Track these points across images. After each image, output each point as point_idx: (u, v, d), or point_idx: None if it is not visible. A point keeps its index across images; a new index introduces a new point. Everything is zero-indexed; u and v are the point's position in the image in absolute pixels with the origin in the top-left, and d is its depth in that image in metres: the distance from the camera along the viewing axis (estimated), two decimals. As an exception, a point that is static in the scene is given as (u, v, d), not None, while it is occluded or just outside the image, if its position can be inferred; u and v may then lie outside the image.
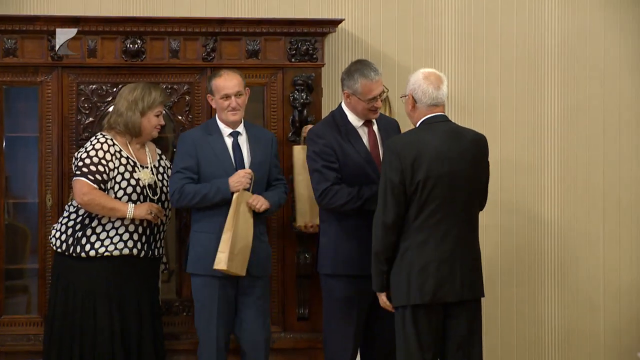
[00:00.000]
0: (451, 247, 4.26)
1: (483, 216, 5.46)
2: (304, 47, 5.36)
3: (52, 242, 4.96)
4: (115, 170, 4.87)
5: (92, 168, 4.86)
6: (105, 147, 4.91)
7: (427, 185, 4.22)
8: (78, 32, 5.23)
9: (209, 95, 4.92)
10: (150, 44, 5.31)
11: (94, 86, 5.31)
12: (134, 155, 4.98)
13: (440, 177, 4.22)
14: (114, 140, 4.96)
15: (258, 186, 4.92)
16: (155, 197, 4.99)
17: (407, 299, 4.27)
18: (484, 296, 4.40)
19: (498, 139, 5.82)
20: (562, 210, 5.94)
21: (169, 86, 5.34)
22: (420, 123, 4.37)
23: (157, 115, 5.00)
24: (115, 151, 4.92)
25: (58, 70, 5.28)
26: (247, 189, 4.81)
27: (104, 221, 4.88)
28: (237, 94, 4.84)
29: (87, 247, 4.86)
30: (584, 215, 5.96)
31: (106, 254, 4.87)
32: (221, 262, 4.72)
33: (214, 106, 4.94)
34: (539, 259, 5.95)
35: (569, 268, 5.95)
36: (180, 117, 5.37)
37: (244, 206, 4.80)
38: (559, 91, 5.91)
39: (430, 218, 4.24)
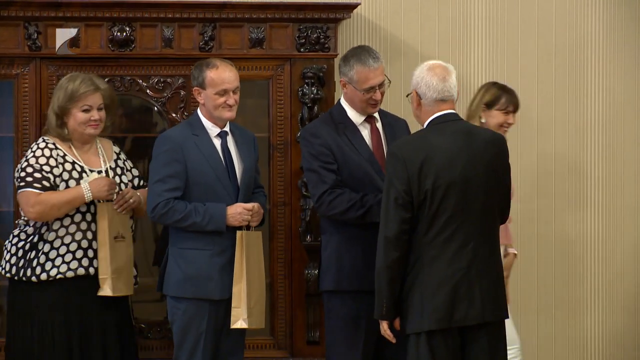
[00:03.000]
0: (467, 264, 4.10)
1: (517, 226, 5.75)
2: (315, 35, 5.22)
3: (1, 266, 4.76)
4: (59, 179, 4.65)
5: (37, 175, 4.60)
6: (46, 152, 4.67)
7: (436, 195, 4.07)
8: (58, 18, 5.09)
9: (196, 88, 4.67)
10: (141, 32, 5.18)
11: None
12: (80, 159, 4.72)
13: (452, 184, 4.08)
14: (55, 144, 4.72)
15: (246, 195, 4.71)
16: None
17: (421, 325, 4.11)
18: (508, 317, 4.26)
19: (535, 139, 5.74)
20: (607, 219, 5.83)
21: (162, 79, 5.20)
22: (428, 124, 4.22)
23: (86, 110, 4.69)
24: (58, 156, 4.68)
25: (36, 61, 5.15)
26: (248, 227, 4.63)
27: (51, 239, 4.64)
28: (236, 90, 4.65)
29: (38, 269, 4.64)
30: (632, 225, 5.87)
31: (59, 276, 4.64)
32: (239, 320, 4.59)
33: (201, 101, 4.69)
34: (581, 275, 5.83)
35: (615, 285, 5.83)
36: (174, 115, 5.21)
37: (252, 248, 4.63)
38: (605, 85, 5.79)
39: (443, 231, 4.09)
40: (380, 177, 4.51)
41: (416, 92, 4.21)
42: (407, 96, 4.33)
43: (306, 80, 5.16)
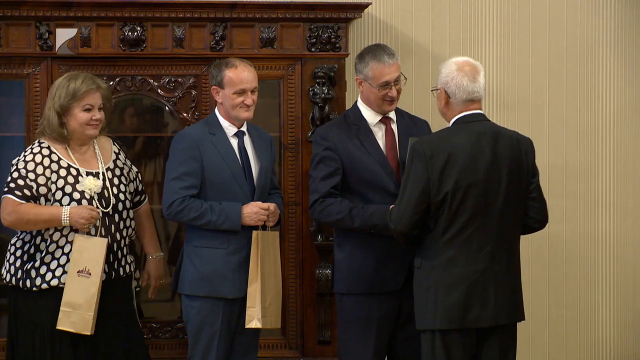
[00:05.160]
0: (484, 266, 4.09)
1: None
2: (326, 35, 5.19)
3: (2, 275, 4.67)
4: (54, 186, 4.54)
5: (20, 182, 4.51)
6: (38, 158, 4.56)
7: (457, 196, 4.06)
8: (70, 18, 5.07)
9: (214, 87, 4.66)
10: (152, 32, 5.15)
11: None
12: (75, 162, 4.62)
13: (473, 186, 4.06)
14: (51, 148, 4.61)
15: (262, 195, 4.69)
16: (108, 209, 4.61)
17: (434, 322, 4.11)
18: (524, 319, 4.27)
19: (546, 139, 5.66)
20: (618, 219, 5.77)
21: (173, 79, 5.18)
22: (454, 122, 4.19)
23: (87, 110, 4.61)
24: (52, 161, 4.57)
25: (47, 61, 5.12)
26: (264, 227, 4.61)
27: (51, 248, 4.55)
28: (254, 90, 4.63)
29: (38, 280, 4.54)
30: (643, 226, 5.87)
31: (60, 285, 4.54)
32: (253, 320, 4.58)
33: (219, 100, 4.68)
34: (593, 276, 5.78)
35: (627, 286, 5.79)
36: (185, 114, 5.19)
37: (268, 248, 4.61)
38: (616, 84, 5.73)
39: (461, 233, 4.08)
40: (392, 180, 4.50)
41: (445, 91, 4.17)
42: (432, 91, 4.31)
43: (317, 80, 5.13)
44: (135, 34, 5.09)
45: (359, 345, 4.59)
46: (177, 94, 5.14)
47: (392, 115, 4.64)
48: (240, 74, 4.58)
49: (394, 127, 4.64)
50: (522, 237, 5.47)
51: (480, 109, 4.20)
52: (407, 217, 4.08)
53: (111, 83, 5.09)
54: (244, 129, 4.66)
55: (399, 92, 4.57)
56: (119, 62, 5.12)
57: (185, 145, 4.58)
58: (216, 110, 4.67)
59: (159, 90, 5.12)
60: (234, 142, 4.63)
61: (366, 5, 5.21)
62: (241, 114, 4.60)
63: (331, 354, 5.19)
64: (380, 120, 4.61)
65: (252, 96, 4.59)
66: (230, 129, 4.63)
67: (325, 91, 5.12)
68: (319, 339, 5.21)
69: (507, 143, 4.16)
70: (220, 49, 5.12)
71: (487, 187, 4.07)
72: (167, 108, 5.14)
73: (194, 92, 5.15)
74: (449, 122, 4.22)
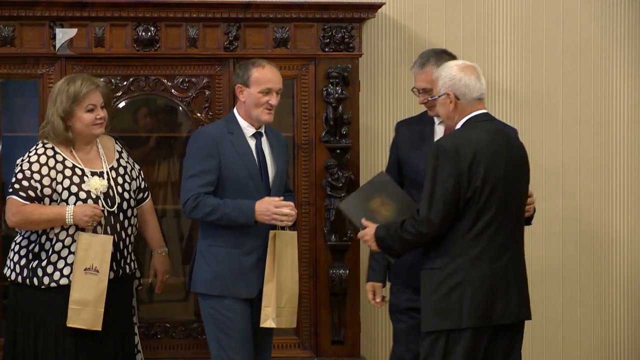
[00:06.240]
0: (506, 262, 4.09)
1: (542, 225, 5.62)
2: (339, 35, 5.18)
3: (6, 274, 4.65)
4: (60, 186, 4.55)
5: (25, 183, 4.51)
6: (43, 159, 4.56)
7: (484, 191, 4.04)
8: (83, 18, 5.06)
9: (239, 85, 4.62)
10: (165, 32, 5.14)
11: (101, 79, 5.00)
12: (80, 162, 4.62)
13: (498, 181, 4.05)
14: (55, 149, 4.61)
15: (276, 196, 4.65)
16: (114, 208, 4.61)
17: (458, 321, 4.06)
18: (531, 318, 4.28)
19: (559, 137, 5.69)
20: (633, 218, 5.79)
21: (186, 79, 5.16)
22: (465, 122, 4.17)
23: (90, 110, 4.61)
24: (57, 162, 4.57)
25: (61, 61, 5.10)
26: (282, 227, 4.59)
27: (58, 248, 4.55)
28: (279, 91, 4.62)
29: (46, 279, 4.55)
30: (658, 224, 5.86)
31: (64, 281, 4.54)
32: (268, 319, 4.57)
33: (242, 99, 4.64)
34: (607, 275, 5.79)
35: None
36: (198, 114, 5.17)
37: (285, 248, 4.58)
38: (630, 83, 5.74)
39: (487, 229, 4.06)
40: None
41: (453, 94, 4.15)
42: (432, 99, 4.29)
43: (331, 80, 5.11)
44: (149, 34, 5.07)
45: (393, 338, 4.68)
46: (190, 94, 5.13)
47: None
48: (268, 74, 4.58)
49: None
50: (536, 235, 5.53)
51: (485, 108, 4.21)
52: (440, 217, 4.03)
53: (125, 83, 5.09)
54: (261, 130, 4.66)
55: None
56: (133, 62, 5.11)
57: (203, 143, 4.57)
58: (235, 111, 4.66)
59: (173, 90, 5.11)
60: (252, 142, 4.63)
61: (380, 5, 5.20)
62: (263, 117, 4.59)
63: (345, 354, 5.19)
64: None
65: (277, 97, 4.60)
66: (248, 130, 4.62)
67: (339, 91, 5.10)
68: (332, 339, 5.19)
69: (515, 141, 4.19)
70: (234, 49, 5.11)
71: (508, 183, 4.07)
72: (180, 108, 5.14)
73: (207, 92, 5.14)
74: (454, 126, 4.20)
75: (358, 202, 4.34)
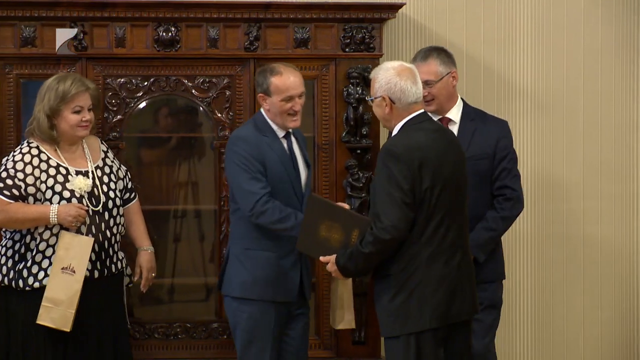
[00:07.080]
0: (459, 260, 4.13)
1: (562, 227, 5.68)
2: (360, 35, 5.17)
3: None
4: (44, 185, 4.55)
5: (9, 182, 4.52)
6: (27, 157, 4.57)
7: (434, 192, 4.05)
8: (104, 19, 5.06)
9: (261, 95, 4.60)
10: (186, 32, 5.13)
11: (122, 80, 5.10)
12: (65, 161, 4.63)
13: (446, 181, 4.08)
14: (40, 148, 4.62)
15: (305, 193, 4.66)
16: (99, 207, 4.61)
17: (420, 323, 4.06)
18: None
19: (580, 139, 5.67)
20: None
21: (207, 79, 5.15)
22: (404, 125, 4.17)
23: (77, 111, 4.62)
24: (41, 161, 4.58)
25: (82, 61, 5.09)
26: None
27: (42, 248, 4.55)
28: (301, 94, 4.58)
29: (30, 280, 4.54)
30: (682, 228, 5.80)
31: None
32: (342, 320, 4.73)
33: (266, 108, 4.61)
34: (629, 278, 5.77)
35: None
36: (219, 115, 5.15)
37: None
38: None
39: (438, 229, 4.08)
40: None
41: (389, 98, 4.14)
42: (369, 100, 4.28)
43: (351, 80, 5.11)
44: (170, 34, 5.07)
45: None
46: (211, 94, 5.12)
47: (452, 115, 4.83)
48: (286, 81, 4.53)
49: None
50: (556, 237, 5.52)
51: (423, 109, 4.20)
52: (404, 221, 4.00)
53: (145, 83, 5.09)
54: (290, 130, 4.64)
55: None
56: (154, 62, 5.10)
57: (247, 147, 4.51)
58: (263, 112, 4.62)
59: (193, 91, 5.10)
60: (285, 144, 4.61)
61: (400, 6, 5.19)
62: (289, 124, 4.56)
63: (366, 355, 5.17)
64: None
65: (300, 101, 4.55)
66: (279, 132, 4.59)
67: (360, 91, 5.09)
68: (353, 339, 5.18)
69: (454, 139, 4.23)
70: (255, 49, 5.10)
71: (456, 183, 4.09)
72: (201, 108, 5.13)
73: (228, 93, 5.12)
74: (392, 128, 4.20)
75: (308, 237, 4.25)
